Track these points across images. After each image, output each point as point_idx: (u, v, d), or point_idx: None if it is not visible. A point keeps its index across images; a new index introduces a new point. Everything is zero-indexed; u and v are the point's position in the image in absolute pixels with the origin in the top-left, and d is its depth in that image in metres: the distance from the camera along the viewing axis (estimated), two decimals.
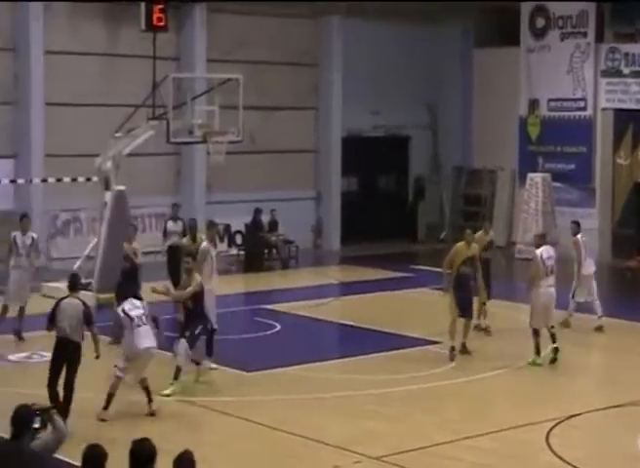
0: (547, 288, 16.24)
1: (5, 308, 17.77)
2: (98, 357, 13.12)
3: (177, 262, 20.26)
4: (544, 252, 16.51)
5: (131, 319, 13.43)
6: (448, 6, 28.76)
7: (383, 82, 29.39)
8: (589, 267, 18.75)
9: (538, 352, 15.93)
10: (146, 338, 13.40)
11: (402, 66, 29.82)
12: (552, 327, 16.26)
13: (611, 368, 16.85)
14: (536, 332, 16.05)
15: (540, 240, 17.02)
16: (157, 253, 21.36)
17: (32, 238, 18.08)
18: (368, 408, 13.80)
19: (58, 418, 7.23)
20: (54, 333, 13.00)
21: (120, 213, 20.77)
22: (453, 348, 16.29)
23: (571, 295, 18.64)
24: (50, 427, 7.19)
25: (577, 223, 19.64)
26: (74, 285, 13.33)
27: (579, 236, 18.89)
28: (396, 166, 31.19)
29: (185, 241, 19.01)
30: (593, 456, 12.17)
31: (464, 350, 16.52)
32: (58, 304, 13.04)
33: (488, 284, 17.71)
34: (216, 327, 15.66)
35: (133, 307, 13.57)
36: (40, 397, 11.53)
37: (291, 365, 15.96)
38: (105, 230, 20.58)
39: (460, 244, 16.72)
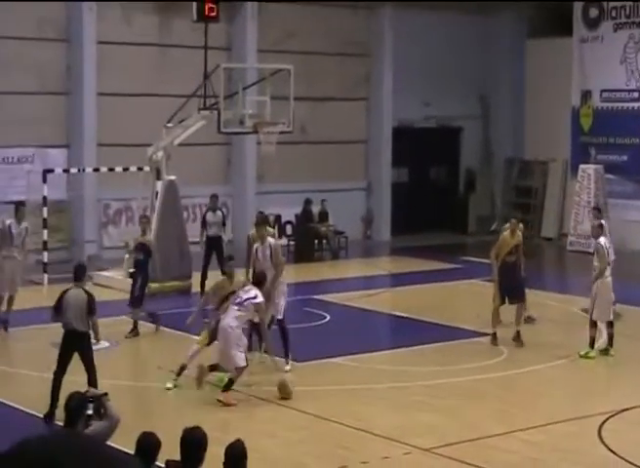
0: (609, 278, 16.01)
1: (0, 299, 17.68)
2: (98, 340, 13.42)
3: (219, 253, 20.35)
4: (606, 241, 16.25)
5: None
6: None
7: (435, 73, 29.26)
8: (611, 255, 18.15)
9: (592, 345, 15.76)
10: None
11: (453, 57, 29.67)
12: (611, 320, 16.03)
13: None
14: (594, 325, 15.85)
15: (600, 229, 16.71)
16: (196, 243, 21.38)
17: (26, 228, 18.00)
18: (418, 399, 13.76)
19: (110, 405, 7.27)
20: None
21: (171, 202, 20.89)
22: (494, 334, 16.38)
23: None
24: (103, 414, 7.24)
25: (598, 209, 19.50)
26: (79, 276, 13.30)
27: (603, 221, 18.47)
28: (447, 157, 31.06)
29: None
30: None
31: (518, 339, 16.40)
32: (62, 295, 13.10)
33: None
34: (280, 317, 15.43)
35: None
36: (79, 384, 11.64)
37: (341, 355, 15.95)
38: (157, 220, 20.70)
39: (506, 233, 16.64)
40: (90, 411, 7.16)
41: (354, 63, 28.45)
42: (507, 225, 17.35)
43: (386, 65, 28.60)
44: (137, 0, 24.75)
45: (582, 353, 15.75)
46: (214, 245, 20.87)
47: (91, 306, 12.94)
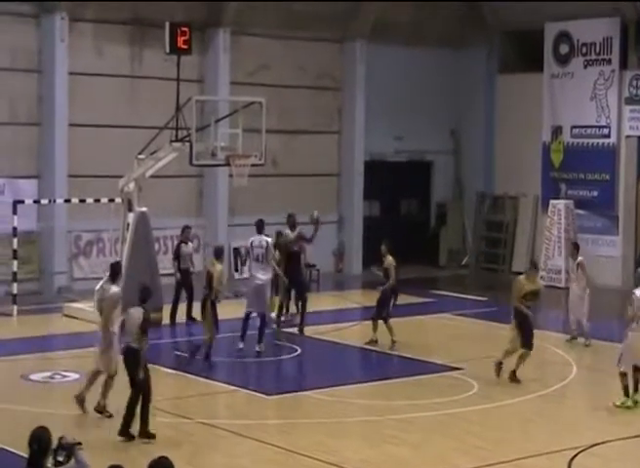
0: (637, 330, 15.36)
1: None
2: None
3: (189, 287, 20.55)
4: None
5: None
6: (472, 30, 28.83)
7: (407, 107, 29.42)
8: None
9: (627, 393, 15.27)
10: None
11: (426, 91, 29.86)
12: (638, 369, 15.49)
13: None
14: (623, 374, 15.34)
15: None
16: (168, 275, 21.42)
17: None
18: (389, 433, 13.70)
19: (82, 454, 7.21)
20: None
21: (143, 234, 20.80)
22: (500, 363, 16.39)
23: (586, 320, 18.59)
24: (73, 462, 7.16)
25: (577, 245, 20.19)
26: (144, 297, 13.87)
27: (581, 258, 18.90)
28: (419, 191, 31.17)
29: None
30: None
31: (514, 378, 16.41)
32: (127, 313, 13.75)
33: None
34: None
35: None
36: (61, 416, 11.50)
37: (311, 389, 15.88)
38: (128, 251, 20.60)
39: (522, 277, 16.88)
40: (61, 458, 7.08)
41: (327, 97, 28.56)
42: (522, 277, 17.12)
43: (359, 99, 28.73)
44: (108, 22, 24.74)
45: (619, 403, 15.24)
46: (185, 278, 20.91)
47: (144, 325, 13.36)
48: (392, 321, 18.84)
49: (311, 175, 28.09)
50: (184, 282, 20.93)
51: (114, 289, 14.34)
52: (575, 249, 20.25)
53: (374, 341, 18.92)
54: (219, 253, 17.88)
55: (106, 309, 14.20)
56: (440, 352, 18.46)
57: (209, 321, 17.26)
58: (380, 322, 18.78)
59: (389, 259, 18.88)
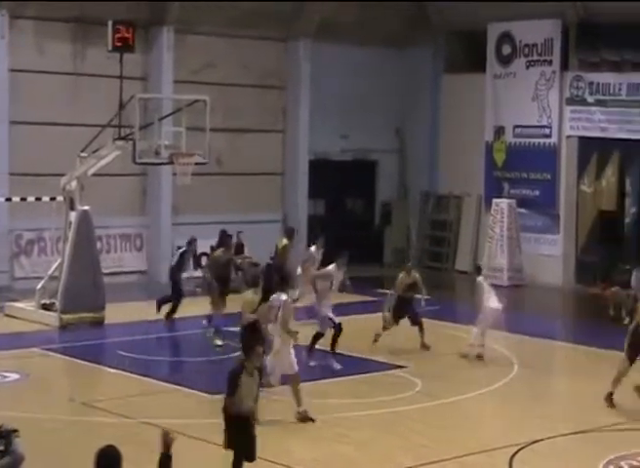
0: None
1: None
2: None
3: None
4: None
5: None
6: (417, 30, 28.98)
7: (352, 106, 29.47)
8: (494, 303, 18.32)
9: None
10: None
11: (371, 90, 29.93)
12: None
13: (576, 393, 16.87)
14: None
15: None
16: (122, 273, 21.29)
17: None
18: (334, 431, 13.72)
19: (18, 442, 7.13)
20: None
21: (85, 233, 20.64)
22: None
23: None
24: (8, 450, 7.09)
25: (479, 268, 20.15)
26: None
27: (480, 278, 18.60)
28: (363, 190, 31.25)
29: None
30: None
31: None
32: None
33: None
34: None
35: None
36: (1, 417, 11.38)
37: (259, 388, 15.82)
38: (70, 250, 20.43)
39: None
40: (1, 447, 7.01)
41: (271, 95, 28.53)
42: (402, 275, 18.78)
43: (303, 98, 28.74)
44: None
45: None
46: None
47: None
48: (337, 319, 18.86)
49: (256, 173, 28.05)
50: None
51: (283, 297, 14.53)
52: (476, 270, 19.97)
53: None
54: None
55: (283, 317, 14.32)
56: (384, 350, 18.52)
57: None
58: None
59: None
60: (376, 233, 31.03)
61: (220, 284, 19.66)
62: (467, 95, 29.48)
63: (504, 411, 15.41)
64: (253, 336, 12.41)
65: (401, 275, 18.95)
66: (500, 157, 28.98)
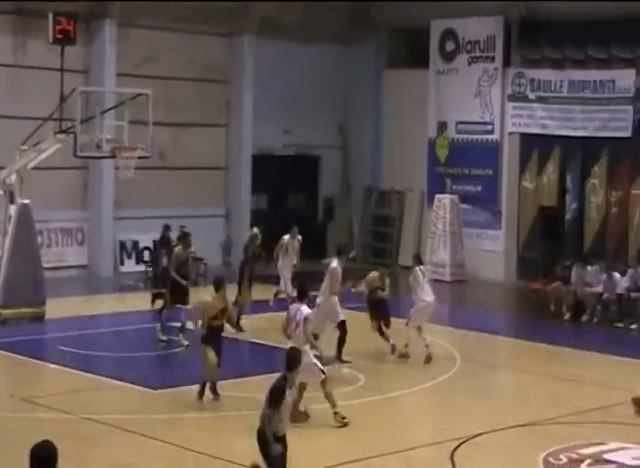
0: None
1: None
2: None
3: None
4: None
5: None
6: (360, 27, 29.02)
7: (296, 101, 29.46)
8: (428, 295, 18.20)
9: None
10: None
11: (314, 86, 29.94)
12: None
13: (518, 388, 17.03)
14: None
15: None
16: (63, 268, 21.05)
17: None
18: None
19: None
20: None
21: (25, 226, 20.40)
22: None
23: (406, 323, 17.87)
24: None
25: (417, 256, 19.25)
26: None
27: (418, 268, 18.06)
28: (306, 185, 31.26)
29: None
30: None
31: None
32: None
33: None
34: None
35: None
36: None
37: (196, 383, 15.77)
38: (9, 244, 20.18)
39: None
40: None
41: (215, 90, 28.43)
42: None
43: (246, 92, 28.67)
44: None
45: None
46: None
47: None
48: (277, 314, 18.78)
49: (199, 168, 27.95)
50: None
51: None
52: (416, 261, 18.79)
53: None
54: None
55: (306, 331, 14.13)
56: (327, 345, 18.51)
57: None
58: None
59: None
60: (318, 228, 31.05)
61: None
62: (410, 91, 29.59)
63: (447, 406, 15.49)
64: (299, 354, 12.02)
65: (371, 275, 18.42)
66: (442, 153, 29.14)
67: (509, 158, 27.92)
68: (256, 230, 21.69)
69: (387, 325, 18.05)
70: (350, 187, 31.49)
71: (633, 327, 21.81)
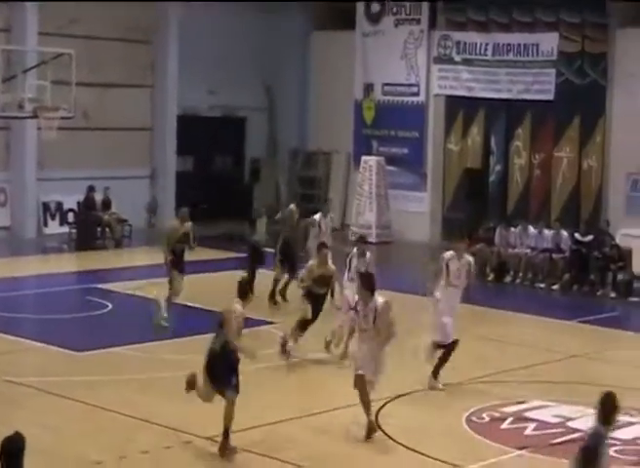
0: None
1: None
2: None
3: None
4: None
5: None
6: None
7: (222, 62, 29.25)
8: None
9: None
10: None
11: (241, 47, 29.75)
12: None
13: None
14: None
15: None
16: None
17: None
18: None
19: None
20: None
21: None
22: None
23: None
24: None
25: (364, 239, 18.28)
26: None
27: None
28: (232, 146, 31.13)
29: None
30: (418, 431, 12.40)
31: None
32: None
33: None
34: None
35: None
36: None
37: (122, 344, 15.73)
38: None
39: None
40: None
41: (139, 50, 28.09)
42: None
43: (171, 53, 28.38)
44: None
45: None
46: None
47: None
48: (204, 276, 18.79)
49: (124, 128, 27.66)
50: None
51: None
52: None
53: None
54: None
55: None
56: (252, 306, 18.50)
57: None
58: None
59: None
60: (245, 190, 30.97)
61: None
62: (337, 52, 29.56)
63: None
64: None
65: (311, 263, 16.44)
66: (369, 115, 29.20)
67: (435, 120, 28.08)
68: (292, 207, 21.14)
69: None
70: (277, 149, 31.44)
71: (555, 287, 22.20)
